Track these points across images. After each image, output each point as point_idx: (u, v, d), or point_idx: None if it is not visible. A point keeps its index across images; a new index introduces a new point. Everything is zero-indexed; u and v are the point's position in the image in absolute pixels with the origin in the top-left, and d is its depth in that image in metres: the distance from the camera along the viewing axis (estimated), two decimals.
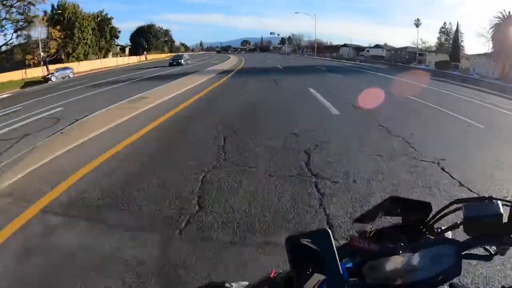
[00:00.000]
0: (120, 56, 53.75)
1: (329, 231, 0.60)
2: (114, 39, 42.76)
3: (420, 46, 63.68)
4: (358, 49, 75.52)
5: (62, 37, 31.85)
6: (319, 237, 0.59)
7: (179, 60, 33.67)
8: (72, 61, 34.73)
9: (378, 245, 0.67)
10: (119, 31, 42.56)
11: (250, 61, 39.99)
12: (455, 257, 0.62)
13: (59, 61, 32.70)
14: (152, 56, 63.22)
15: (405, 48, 64.25)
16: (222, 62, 35.14)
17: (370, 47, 73.57)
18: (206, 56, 59.13)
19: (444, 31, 65.04)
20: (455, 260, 0.61)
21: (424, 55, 59.22)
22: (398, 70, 30.50)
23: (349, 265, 0.68)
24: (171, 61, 33.67)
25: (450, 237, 0.72)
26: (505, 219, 0.64)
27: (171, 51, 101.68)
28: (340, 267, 0.58)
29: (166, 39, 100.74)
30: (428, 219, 0.75)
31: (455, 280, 0.65)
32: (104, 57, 42.54)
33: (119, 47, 59.61)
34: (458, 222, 0.69)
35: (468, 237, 0.67)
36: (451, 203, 0.71)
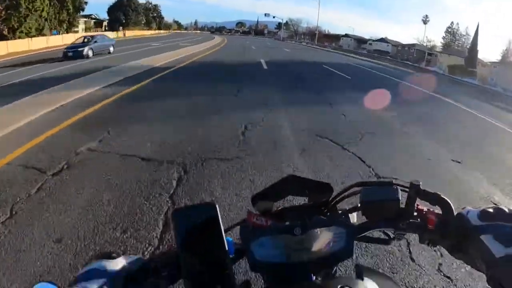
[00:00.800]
0: (95, 31, 46.99)
1: (216, 204, 0.58)
2: (80, 12, 35.83)
3: (425, 45, 59.05)
4: (360, 41, 70.10)
5: (1, 8, 25.42)
6: (205, 210, 0.58)
7: (81, 50, 17.46)
8: (21, 38, 28.32)
9: (276, 222, 0.67)
10: (86, 2, 35.49)
11: (229, 46, 31.53)
12: (347, 239, 0.62)
13: (2, 37, 26.27)
14: (133, 33, 56.34)
15: (413, 45, 59.06)
16: (190, 46, 27.45)
17: (373, 40, 68.08)
18: (188, 37, 52.38)
19: (450, 31, 61.17)
20: (346, 241, 0.62)
21: (433, 55, 54.20)
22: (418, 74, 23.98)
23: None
24: (66, 51, 17.58)
25: (355, 219, 0.71)
26: (403, 204, 0.65)
27: (159, 28, 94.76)
28: (225, 241, 0.57)
29: (155, 14, 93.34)
30: (330, 199, 0.75)
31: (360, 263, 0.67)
32: (67, 32, 35.93)
33: (94, 21, 52.57)
34: (359, 205, 0.68)
35: (366, 220, 0.68)
36: (353, 185, 0.71)
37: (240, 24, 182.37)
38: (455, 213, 0.63)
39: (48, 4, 30.42)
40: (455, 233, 0.61)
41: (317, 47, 49.55)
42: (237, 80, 10.80)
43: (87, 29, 47.92)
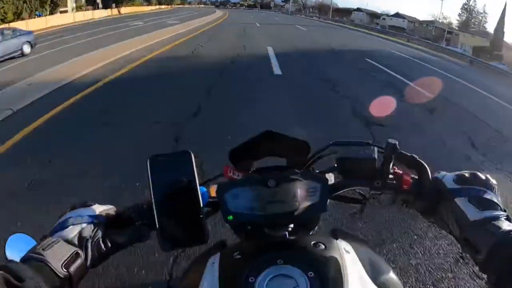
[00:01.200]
0: (86, 9, 43.38)
1: (191, 153, 0.59)
2: None
3: (441, 22, 54.85)
4: (373, 16, 65.38)
5: None
6: (180, 158, 0.59)
7: None
8: None
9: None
10: None
11: (227, 24, 27.58)
12: (321, 194, 0.63)
13: None
14: (129, 9, 52.55)
15: (432, 22, 54.69)
16: (179, 24, 23.62)
17: (388, 15, 63.36)
18: (186, 12, 48.96)
19: (467, 8, 56.82)
20: (321, 196, 0.62)
21: (453, 34, 50.05)
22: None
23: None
24: None
25: (333, 179, 0.71)
26: (379, 165, 0.65)
27: (159, 3, 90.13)
28: (198, 190, 0.58)
29: None
30: (308, 159, 0.75)
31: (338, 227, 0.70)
32: (51, 13, 32.61)
33: None
34: (335, 165, 0.69)
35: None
36: (329, 145, 0.72)
37: None
38: (430, 176, 0.64)
39: None
40: (430, 195, 0.62)
41: (332, 22, 43.68)
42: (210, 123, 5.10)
43: (78, 8, 44.32)
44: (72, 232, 0.53)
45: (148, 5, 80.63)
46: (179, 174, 0.57)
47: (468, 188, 0.59)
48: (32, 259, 0.48)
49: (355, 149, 0.68)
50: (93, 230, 0.55)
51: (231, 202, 0.61)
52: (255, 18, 38.03)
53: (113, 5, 44.74)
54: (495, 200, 0.57)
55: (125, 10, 50.52)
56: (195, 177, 0.58)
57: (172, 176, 0.57)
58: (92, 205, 0.60)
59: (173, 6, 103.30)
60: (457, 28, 52.84)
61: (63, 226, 0.54)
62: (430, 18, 56.02)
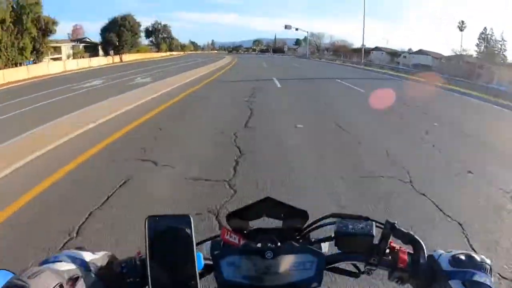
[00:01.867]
0: (82, 57, 40.14)
1: (191, 217, 0.59)
2: (48, 35, 28.40)
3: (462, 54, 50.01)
4: (393, 54, 61.01)
5: None
6: (179, 222, 0.59)
7: None
8: None
9: (248, 242, 0.68)
10: (55, 23, 27.97)
11: (225, 82, 18.20)
12: (316, 268, 0.63)
13: None
14: (133, 56, 49.50)
15: (460, 56, 49.63)
16: (176, 75, 20.07)
17: (410, 53, 58.79)
18: (190, 59, 46.61)
19: (484, 37, 52.12)
20: (316, 270, 0.63)
21: (484, 68, 44.61)
22: None
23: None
24: None
25: (327, 248, 0.72)
26: (376, 241, 0.66)
27: (170, 50, 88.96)
28: (195, 255, 0.58)
29: (165, 35, 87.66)
30: (305, 227, 0.75)
31: None
32: (35, 62, 28.65)
33: (85, 45, 45.81)
34: (332, 236, 0.69)
35: (338, 251, 0.69)
36: (328, 216, 0.73)
37: (257, 42, 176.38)
38: (426, 254, 0.64)
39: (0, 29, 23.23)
40: (425, 274, 0.63)
41: (357, 66, 37.76)
42: None
43: (75, 54, 41.18)
44: (62, 267, 0.52)
45: (157, 52, 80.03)
46: (177, 237, 0.57)
47: (463, 271, 0.59)
48: (15, 286, 0.45)
49: (353, 223, 0.67)
50: (82, 274, 0.53)
51: (226, 269, 0.61)
52: (270, 67, 30.76)
53: (111, 52, 41.19)
54: (488, 283, 0.58)
55: (129, 57, 47.44)
56: (192, 242, 0.57)
57: (170, 239, 0.57)
58: (86, 250, 0.59)
59: (186, 52, 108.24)
60: (477, 59, 47.97)
61: (54, 260, 0.54)
62: (450, 53, 51.07)
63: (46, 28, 27.28)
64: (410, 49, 61.85)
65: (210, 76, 20.70)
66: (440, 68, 47.07)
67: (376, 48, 63.90)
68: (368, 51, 64.75)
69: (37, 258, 2.77)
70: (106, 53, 43.29)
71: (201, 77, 20.01)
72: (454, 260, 0.61)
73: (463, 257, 0.61)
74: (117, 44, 42.50)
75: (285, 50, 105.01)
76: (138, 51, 63.07)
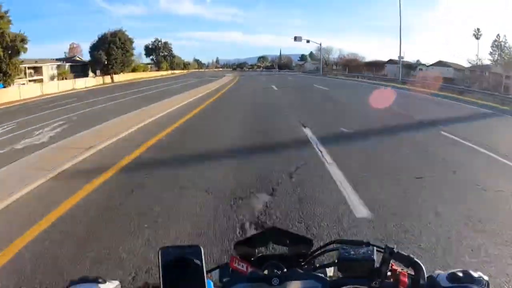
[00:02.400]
0: (65, 78, 35.96)
1: (201, 248, 0.62)
2: (18, 55, 24.01)
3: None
4: (409, 67, 56.41)
5: None
6: (190, 252, 0.61)
7: None
8: None
9: (256, 269, 0.71)
10: (23, 40, 23.61)
11: (225, 102, 16.61)
12: None
13: None
14: (126, 76, 45.39)
15: (486, 67, 44.91)
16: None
17: (427, 65, 54.09)
18: (184, 79, 42.16)
19: (497, 45, 47.78)
20: None
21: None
22: None
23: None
24: None
25: (332, 273, 0.76)
26: (377, 264, 0.69)
27: (172, 68, 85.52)
28: (206, 284, 0.60)
29: (165, 53, 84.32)
30: (309, 253, 0.79)
31: None
32: (6, 83, 24.42)
33: (73, 64, 41.77)
34: (336, 261, 0.72)
35: (341, 276, 0.72)
36: (331, 243, 0.77)
37: (262, 59, 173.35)
38: (426, 276, 0.67)
39: None
40: None
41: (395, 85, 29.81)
42: None
43: (59, 75, 37.11)
44: None
45: (157, 70, 76.56)
46: (189, 267, 0.60)
47: (461, 287, 0.62)
48: None
49: (355, 248, 0.70)
50: None
51: None
52: (283, 93, 20.85)
53: (98, 72, 36.97)
54: None
55: (122, 77, 43.34)
56: (203, 272, 0.60)
57: (182, 269, 0.59)
58: (102, 282, 0.62)
59: (189, 70, 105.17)
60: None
61: None
62: (465, 64, 46.63)
63: (13, 47, 22.95)
64: (417, 61, 57.26)
65: (201, 102, 15.89)
66: (463, 80, 42.44)
67: (390, 61, 59.37)
68: (381, 65, 60.34)
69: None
70: (96, 73, 39.16)
71: (189, 105, 14.95)
72: (452, 277, 0.64)
73: (461, 274, 0.64)
74: (106, 62, 38.28)
75: (293, 67, 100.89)
76: (133, 70, 59.53)
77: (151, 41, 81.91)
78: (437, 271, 0.67)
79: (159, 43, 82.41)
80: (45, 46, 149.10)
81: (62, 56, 44.01)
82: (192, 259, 0.60)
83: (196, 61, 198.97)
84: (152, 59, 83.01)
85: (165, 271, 0.59)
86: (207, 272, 0.66)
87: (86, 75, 39.65)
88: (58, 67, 38.44)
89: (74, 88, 31.81)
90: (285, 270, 0.71)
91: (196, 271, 0.60)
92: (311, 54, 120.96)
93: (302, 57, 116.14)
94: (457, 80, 42.84)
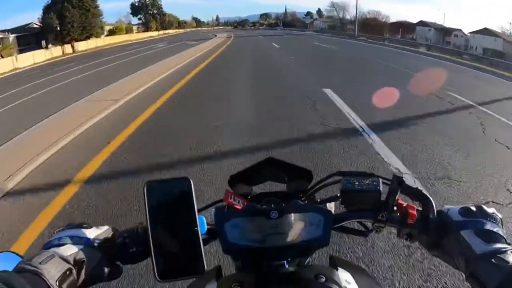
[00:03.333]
0: (11, 48, 27.02)
1: (190, 180, 0.56)
2: None
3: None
4: (443, 31, 46.72)
5: None
6: (179, 185, 0.56)
7: None
8: None
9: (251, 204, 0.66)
10: None
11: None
12: (324, 227, 0.62)
13: None
14: (96, 43, 36.38)
15: None
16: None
17: (470, 32, 44.26)
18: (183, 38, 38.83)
19: None
20: (323, 229, 0.61)
21: None
22: None
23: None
24: None
25: (333, 209, 0.69)
26: (383, 197, 0.64)
27: (163, 28, 75.22)
28: (197, 219, 0.55)
29: (155, 11, 73.62)
30: (309, 187, 0.73)
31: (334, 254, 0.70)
32: None
33: (22, 35, 32.34)
34: (338, 195, 0.67)
35: (346, 210, 0.68)
36: (333, 174, 0.70)
37: (264, 16, 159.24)
38: (435, 210, 0.63)
39: None
40: (435, 228, 0.61)
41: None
42: None
43: (3, 49, 28.23)
44: (68, 250, 0.52)
45: (145, 31, 66.76)
46: (177, 201, 0.55)
47: (474, 221, 0.58)
48: (28, 271, 0.46)
49: (359, 180, 0.65)
50: (88, 253, 0.54)
51: (230, 232, 0.61)
52: (279, 60, 15.57)
53: (43, 42, 27.76)
54: (501, 233, 0.56)
55: (87, 45, 34.24)
56: (194, 205, 0.55)
57: (170, 203, 0.55)
58: (89, 227, 0.59)
59: (185, 29, 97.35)
60: None
61: (60, 243, 0.53)
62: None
63: None
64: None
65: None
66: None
67: (421, 23, 49.39)
68: (409, 27, 50.39)
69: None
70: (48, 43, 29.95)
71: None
72: (464, 211, 0.60)
73: (473, 208, 0.60)
74: (59, 28, 28.97)
75: (302, 24, 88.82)
76: (112, 33, 50.02)
77: None
78: (447, 206, 0.63)
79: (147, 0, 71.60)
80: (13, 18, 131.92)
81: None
82: (181, 193, 0.55)
83: (195, 19, 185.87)
84: (139, 19, 72.64)
85: (152, 207, 0.54)
86: (201, 210, 0.61)
87: (39, 47, 30.49)
88: (1, 40, 29.17)
89: (16, 68, 23.26)
90: (284, 204, 0.65)
91: (186, 206, 0.55)
92: (319, 11, 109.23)
93: (308, 14, 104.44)
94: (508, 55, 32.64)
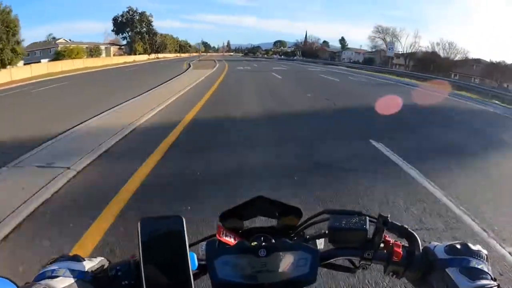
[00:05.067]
0: None
1: (183, 218, 0.59)
2: None
3: None
4: None
5: None
6: (172, 223, 0.59)
7: None
8: None
9: (243, 240, 0.69)
10: None
11: None
12: (310, 265, 0.63)
13: None
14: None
15: None
16: None
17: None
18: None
19: None
20: (310, 267, 0.62)
21: None
22: None
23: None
24: None
25: (322, 245, 0.72)
26: (370, 235, 0.66)
27: (155, 52, 60.17)
28: (188, 255, 0.58)
29: (144, 29, 58.89)
30: (299, 224, 0.76)
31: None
32: None
33: None
34: (326, 232, 0.69)
35: (333, 247, 0.70)
36: (321, 213, 0.72)
37: (279, 43, 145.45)
38: (421, 247, 0.65)
39: None
40: (421, 265, 0.63)
41: None
42: None
43: None
44: (60, 283, 0.52)
45: (130, 55, 51.76)
46: (170, 238, 0.57)
47: (460, 259, 0.59)
48: None
49: (346, 218, 0.67)
50: (80, 286, 0.54)
51: (220, 268, 0.61)
52: None
53: None
54: (486, 270, 0.57)
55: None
56: (185, 242, 0.57)
57: (162, 239, 0.57)
58: (82, 260, 0.59)
59: (191, 54, 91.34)
60: None
61: (52, 275, 0.53)
62: None
63: None
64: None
65: None
66: None
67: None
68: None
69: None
70: None
71: None
72: (450, 249, 0.61)
73: (458, 246, 0.61)
74: None
75: (340, 56, 72.11)
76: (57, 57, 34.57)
77: (123, 12, 56.33)
78: (433, 243, 0.65)
79: (134, 14, 56.94)
80: None
81: None
82: (173, 230, 0.57)
83: (204, 43, 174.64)
84: (124, 38, 57.91)
85: (145, 243, 0.56)
86: (192, 244, 0.64)
87: None
88: None
89: None
90: (273, 241, 0.69)
91: (178, 243, 0.57)
92: (342, 40, 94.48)
93: (324, 43, 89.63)
94: None
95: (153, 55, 63.42)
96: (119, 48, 57.13)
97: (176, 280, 0.56)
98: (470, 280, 0.55)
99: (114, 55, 53.90)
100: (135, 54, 55.50)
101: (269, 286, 0.61)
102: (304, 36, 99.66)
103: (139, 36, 56.78)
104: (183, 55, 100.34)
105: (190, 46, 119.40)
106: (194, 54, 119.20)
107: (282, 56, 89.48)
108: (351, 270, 0.70)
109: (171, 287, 0.56)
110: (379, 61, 51.79)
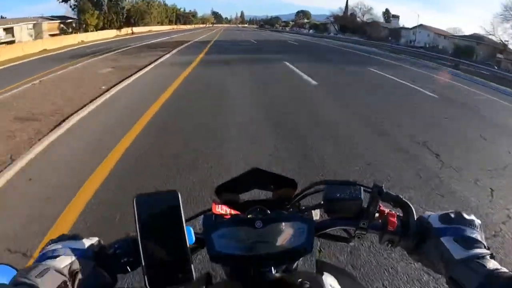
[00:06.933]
0: None
1: (178, 193, 0.59)
2: None
3: None
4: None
5: None
6: (167, 198, 0.59)
7: None
8: None
9: (239, 213, 0.70)
10: None
11: None
12: (306, 235, 0.63)
13: None
14: None
15: None
16: None
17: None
18: None
19: None
20: (307, 237, 0.63)
21: None
22: None
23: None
24: None
25: (318, 216, 0.73)
26: (365, 205, 0.67)
27: (128, 24, 40.20)
28: (184, 229, 0.58)
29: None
30: (294, 196, 0.76)
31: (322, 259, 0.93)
32: None
33: None
34: (321, 203, 0.69)
35: (328, 218, 0.70)
36: (316, 184, 0.72)
37: (302, 13, 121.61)
38: (415, 216, 0.65)
39: None
40: (416, 235, 0.63)
41: None
42: None
43: None
44: (62, 262, 0.53)
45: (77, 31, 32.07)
46: (166, 213, 0.57)
47: (454, 227, 0.60)
48: (25, 284, 0.47)
49: (341, 188, 0.67)
50: (81, 264, 0.55)
51: (217, 241, 0.62)
52: None
53: None
54: (480, 239, 0.58)
55: None
56: (181, 217, 0.57)
57: (159, 215, 0.57)
58: (81, 238, 0.60)
59: (195, 25, 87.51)
60: None
61: (53, 255, 0.54)
62: None
63: None
64: None
65: None
66: None
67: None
68: None
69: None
70: None
71: None
72: (444, 217, 0.61)
73: (453, 215, 0.61)
74: None
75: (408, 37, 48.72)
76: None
77: None
78: (428, 212, 0.65)
79: None
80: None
81: None
82: (169, 206, 0.57)
83: (214, 14, 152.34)
84: (71, 7, 38.05)
85: (142, 220, 0.56)
86: (189, 219, 0.65)
87: None
88: None
89: None
90: (269, 213, 0.69)
91: (174, 218, 0.57)
92: (386, 11, 72.25)
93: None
94: None
95: (125, 30, 43.71)
96: (65, 24, 37.25)
97: (174, 254, 0.55)
98: (464, 248, 0.55)
99: (53, 35, 34.43)
100: (87, 30, 35.82)
101: (266, 256, 0.61)
102: (346, 4, 72.48)
103: (93, 3, 36.62)
104: (182, 27, 79.32)
105: (193, 16, 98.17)
106: (201, 25, 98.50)
107: (311, 31, 67.82)
108: (347, 239, 0.70)
109: (170, 262, 0.55)
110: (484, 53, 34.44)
